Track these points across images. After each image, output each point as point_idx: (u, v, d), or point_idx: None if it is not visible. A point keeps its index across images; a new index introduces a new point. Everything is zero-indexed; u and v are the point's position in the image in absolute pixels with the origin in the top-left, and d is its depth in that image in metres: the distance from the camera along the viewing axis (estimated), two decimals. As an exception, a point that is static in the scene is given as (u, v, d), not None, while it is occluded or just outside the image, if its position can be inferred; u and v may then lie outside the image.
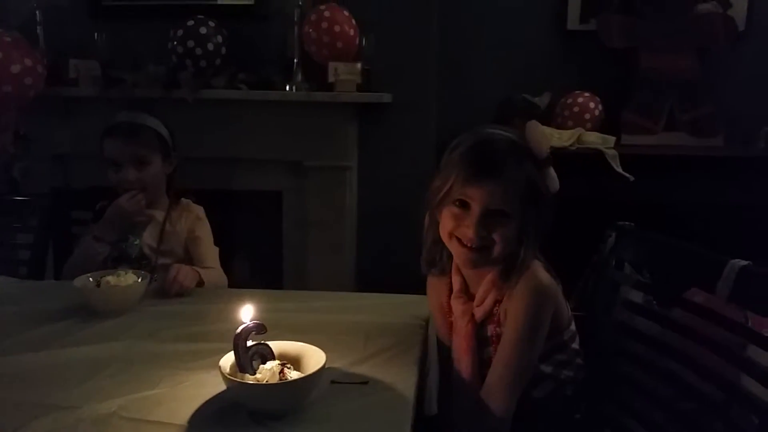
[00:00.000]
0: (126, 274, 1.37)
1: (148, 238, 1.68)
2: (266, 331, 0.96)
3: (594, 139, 2.49)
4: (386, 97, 2.51)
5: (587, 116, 2.61)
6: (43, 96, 2.38)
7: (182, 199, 1.78)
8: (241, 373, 0.93)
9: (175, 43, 2.41)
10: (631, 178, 2.40)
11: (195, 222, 1.74)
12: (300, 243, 2.59)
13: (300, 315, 1.30)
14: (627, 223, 1.32)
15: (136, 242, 1.65)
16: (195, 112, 2.41)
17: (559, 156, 1.24)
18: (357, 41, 2.47)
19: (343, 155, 2.54)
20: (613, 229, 1.32)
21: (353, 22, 2.45)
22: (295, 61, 2.48)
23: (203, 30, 2.40)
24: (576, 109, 2.62)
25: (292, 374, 0.94)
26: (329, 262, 2.56)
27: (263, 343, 0.96)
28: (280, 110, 2.47)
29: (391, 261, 2.62)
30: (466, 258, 1.12)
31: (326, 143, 2.51)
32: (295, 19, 2.45)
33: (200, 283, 1.53)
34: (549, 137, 1.16)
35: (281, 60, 2.52)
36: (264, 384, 0.90)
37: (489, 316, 1.15)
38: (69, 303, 1.36)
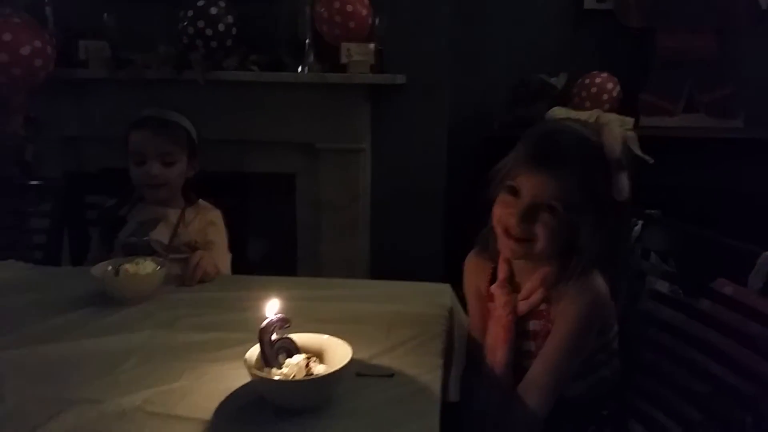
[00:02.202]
0: (145, 262, 1.36)
1: (159, 235, 1.64)
2: (290, 324, 0.94)
3: (612, 120, 2.44)
4: (399, 79, 2.47)
5: (605, 97, 2.56)
6: (53, 78, 2.36)
7: (199, 200, 1.74)
8: (267, 368, 0.91)
9: (185, 23, 2.37)
10: (651, 161, 2.36)
11: (209, 226, 1.68)
12: (313, 226, 2.58)
13: (321, 304, 1.28)
14: (654, 211, 1.29)
15: (145, 238, 1.62)
16: (206, 94, 2.39)
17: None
18: (370, 21, 2.43)
19: (356, 137, 2.51)
20: (640, 218, 1.29)
21: (366, 1, 2.40)
22: (307, 41, 2.44)
23: (213, 10, 2.37)
24: (594, 89, 2.57)
25: (318, 368, 0.92)
26: (343, 245, 2.55)
27: (288, 338, 0.95)
28: (292, 92, 2.44)
29: (405, 244, 2.61)
30: (507, 247, 1.10)
31: (339, 125, 2.48)
32: (307, -2, 2.41)
33: None
34: (623, 140, 1.11)
35: (293, 41, 2.48)
36: (291, 380, 0.89)
37: (533, 310, 1.12)
38: (86, 290, 1.35)
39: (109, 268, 1.35)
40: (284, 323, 0.93)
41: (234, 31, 2.41)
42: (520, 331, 1.13)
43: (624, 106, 2.59)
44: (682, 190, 2.26)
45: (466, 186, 2.58)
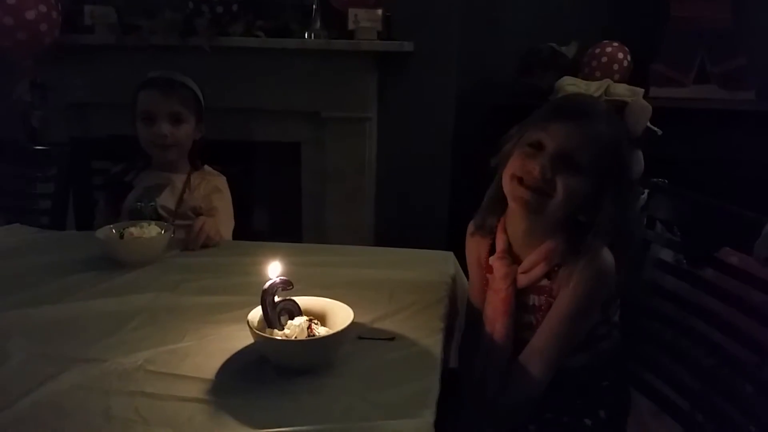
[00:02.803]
0: (149, 225, 1.37)
1: (166, 201, 1.65)
2: (293, 287, 0.95)
3: (622, 91, 2.39)
4: (407, 46, 2.43)
5: (616, 67, 2.52)
6: (59, 43, 2.34)
7: (205, 166, 1.74)
8: (269, 329, 0.92)
9: (191, -13, 2.34)
10: (659, 132, 2.33)
11: (213, 192, 1.69)
12: (319, 195, 2.57)
13: (324, 269, 1.29)
14: (660, 179, 1.28)
15: (151, 204, 1.63)
16: (212, 61, 2.36)
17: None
18: (378, -14, 2.39)
19: (363, 106, 2.48)
20: (646, 186, 1.28)
21: (374, -35, 2.36)
22: (314, 7, 2.41)
23: (219, -26, 2.33)
24: (604, 59, 2.53)
25: (320, 330, 0.93)
26: (348, 214, 2.54)
27: (290, 299, 0.96)
28: (298, 59, 2.41)
29: (410, 213, 2.61)
30: (521, 198, 1.05)
31: (345, 93, 2.45)
32: (314, -38, 2.38)
33: None
34: (648, 117, 1.11)
35: (300, 6, 2.45)
36: (294, 340, 0.90)
37: (534, 285, 1.11)
38: (92, 254, 1.36)
39: (114, 231, 1.36)
40: (287, 285, 0.94)
41: (240, -4, 2.38)
42: (520, 303, 1.12)
43: (634, 76, 2.55)
44: (692, 162, 2.23)
45: (472, 154, 2.58)
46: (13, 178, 1.93)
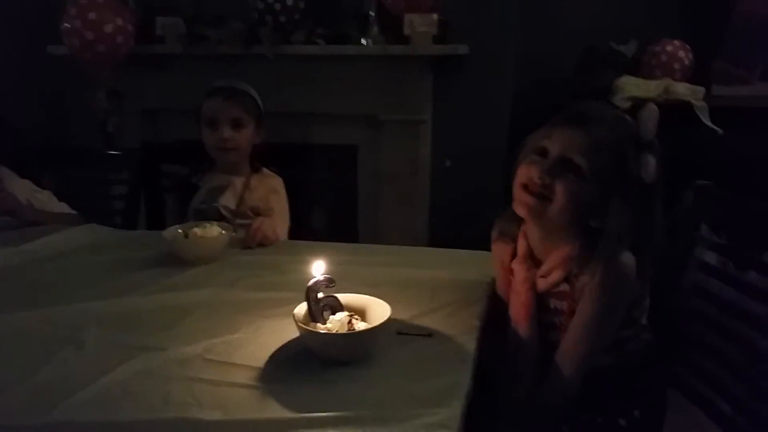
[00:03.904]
0: (211, 226, 1.47)
1: (227, 201, 1.76)
2: (335, 284, 1.01)
3: (683, 90, 2.36)
4: (462, 49, 2.47)
5: (676, 66, 2.47)
6: (133, 53, 2.50)
7: (263, 168, 1.84)
8: (313, 323, 0.99)
9: (255, -2, 2.45)
10: (720, 132, 2.28)
11: (271, 193, 1.79)
12: (375, 196, 2.64)
13: (370, 268, 1.35)
14: (705, 182, 1.27)
15: (214, 204, 1.74)
16: (274, 68, 2.47)
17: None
18: (434, -10, 2.43)
19: (418, 109, 2.54)
20: (691, 189, 1.27)
21: (430, -29, 2.40)
22: (371, 13, 2.47)
23: (282, -16, 2.43)
24: (664, 57, 2.49)
25: (360, 325, 0.99)
26: (403, 216, 2.60)
27: (333, 296, 1.02)
28: (356, 64, 2.48)
29: (464, 215, 2.63)
30: (525, 203, 1.09)
31: (401, 97, 2.51)
32: (371, -30, 2.44)
33: None
34: (656, 121, 1.11)
35: (358, 13, 2.52)
36: (334, 333, 0.96)
37: (553, 290, 1.13)
38: (159, 251, 1.47)
39: (179, 231, 1.47)
40: (330, 283, 1.01)
41: (301, 5, 2.47)
42: (542, 306, 1.14)
43: (696, 74, 2.49)
44: (754, 164, 2.16)
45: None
46: (89, 181, 2.09)
